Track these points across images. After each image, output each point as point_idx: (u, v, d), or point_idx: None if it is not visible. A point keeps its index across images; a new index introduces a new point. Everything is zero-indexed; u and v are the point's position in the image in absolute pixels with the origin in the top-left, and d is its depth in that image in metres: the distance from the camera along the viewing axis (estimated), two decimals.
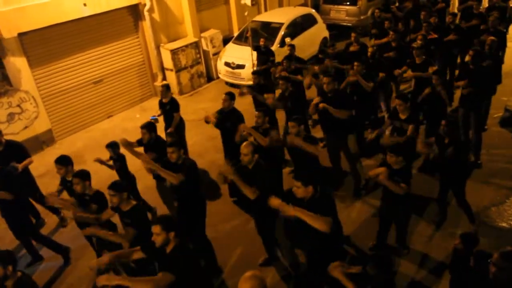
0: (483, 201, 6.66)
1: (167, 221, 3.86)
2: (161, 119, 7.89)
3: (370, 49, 8.55)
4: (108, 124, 10.43)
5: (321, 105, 6.38)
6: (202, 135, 9.30)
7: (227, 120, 6.81)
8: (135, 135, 9.33)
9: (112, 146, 6.60)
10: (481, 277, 3.72)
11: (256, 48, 10.00)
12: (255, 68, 10.33)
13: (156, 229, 3.78)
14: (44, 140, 9.37)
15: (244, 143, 5.08)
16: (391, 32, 9.03)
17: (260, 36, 11.87)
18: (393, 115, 6.46)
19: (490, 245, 5.62)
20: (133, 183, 6.80)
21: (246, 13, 10.09)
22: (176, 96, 11.32)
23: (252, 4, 9.89)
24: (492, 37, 7.92)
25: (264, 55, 9.94)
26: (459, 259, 4.35)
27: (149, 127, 6.44)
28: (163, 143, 6.34)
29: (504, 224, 6.21)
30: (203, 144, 9.02)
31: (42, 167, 8.64)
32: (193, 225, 5.55)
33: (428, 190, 6.77)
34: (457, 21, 9.99)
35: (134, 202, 4.80)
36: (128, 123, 10.25)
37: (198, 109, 10.64)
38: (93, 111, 10.34)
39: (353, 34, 9.33)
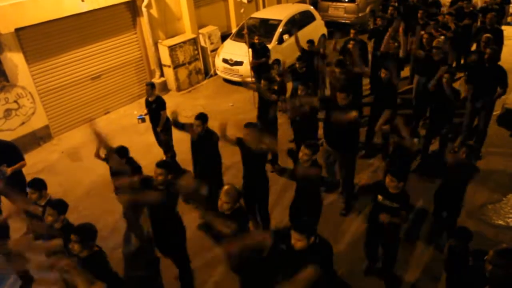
0: (480, 198, 6.68)
1: None
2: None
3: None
4: (105, 120, 10.39)
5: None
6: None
7: (201, 143, 6.26)
8: (132, 131, 9.39)
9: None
10: (478, 275, 3.74)
11: (251, 45, 9.97)
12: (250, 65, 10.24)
13: None
14: (41, 136, 9.34)
15: (226, 188, 4.38)
16: (389, 29, 9.03)
17: (258, 33, 11.87)
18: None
19: (487, 243, 5.64)
20: None
21: (242, 10, 10.03)
22: (174, 92, 11.38)
23: (248, 1, 9.83)
24: (487, 34, 7.98)
25: (259, 52, 9.87)
26: (454, 257, 4.36)
27: (120, 152, 5.78)
28: (137, 167, 5.82)
29: (501, 222, 6.23)
30: None
31: (39, 164, 8.63)
32: (171, 251, 5.28)
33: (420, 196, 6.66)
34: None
35: (96, 248, 4.19)
36: (125, 120, 10.22)
37: (196, 105, 10.62)
38: (91, 107, 10.30)
39: (352, 31, 9.34)
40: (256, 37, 9.81)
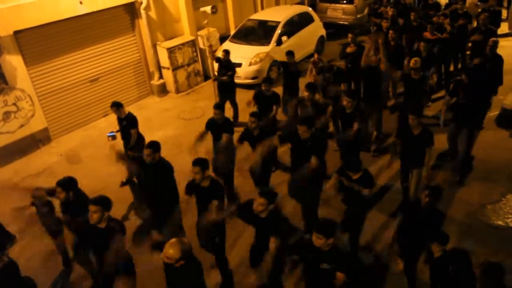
0: (479, 199, 6.69)
1: None
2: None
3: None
4: (104, 122, 10.38)
5: None
6: (196, 134, 9.25)
7: (150, 174, 5.79)
8: None
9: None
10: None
11: (217, 59, 9.63)
12: (213, 78, 9.89)
13: None
14: (40, 139, 9.32)
15: (171, 241, 3.80)
16: (390, 31, 9.07)
17: (256, 34, 11.90)
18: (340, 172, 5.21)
19: (486, 244, 5.66)
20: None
21: (205, 22, 9.88)
22: (173, 94, 11.38)
23: (212, 12, 9.65)
24: (493, 38, 8.01)
25: (225, 69, 9.43)
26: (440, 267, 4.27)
27: (65, 185, 5.07)
28: (84, 199, 5.15)
29: (500, 222, 6.24)
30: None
31: (38, 166, 8.63)
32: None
33: None
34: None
35: (6, 259, 4.14)
36: None
37: (195, 107, 10.64)
38: (90, 109, 10.29)
39: (349, 35, 9.11)
40: (222, 53, 9.48)
